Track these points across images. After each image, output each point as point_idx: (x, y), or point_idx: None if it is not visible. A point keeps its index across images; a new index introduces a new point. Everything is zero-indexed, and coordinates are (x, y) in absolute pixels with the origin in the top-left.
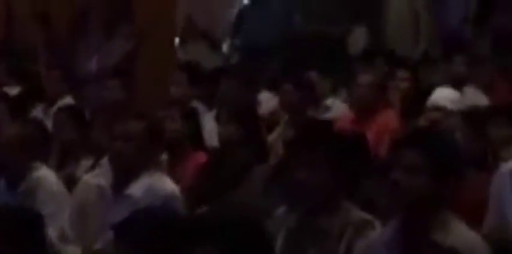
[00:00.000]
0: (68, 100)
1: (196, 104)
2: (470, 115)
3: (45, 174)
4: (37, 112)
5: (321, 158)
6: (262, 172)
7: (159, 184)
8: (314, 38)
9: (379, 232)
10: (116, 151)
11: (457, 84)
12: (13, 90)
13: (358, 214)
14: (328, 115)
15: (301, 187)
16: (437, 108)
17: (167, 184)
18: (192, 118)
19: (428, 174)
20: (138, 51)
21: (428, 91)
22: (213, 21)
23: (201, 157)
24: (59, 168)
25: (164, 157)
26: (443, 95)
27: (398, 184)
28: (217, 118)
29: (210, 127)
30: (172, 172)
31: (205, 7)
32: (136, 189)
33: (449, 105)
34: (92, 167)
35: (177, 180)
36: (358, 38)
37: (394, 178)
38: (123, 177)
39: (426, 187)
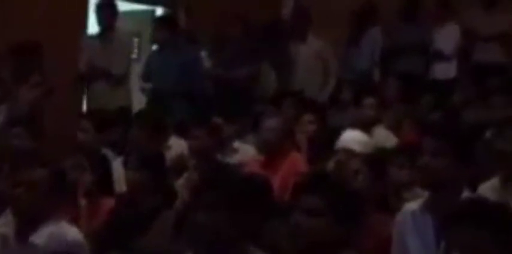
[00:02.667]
0: None
1: (105, 150)
2: (372, 157)
3: None
4: None
5: (221, 201)
6: (169, 218)
7: (62, 231)
8: (220, 82)
9: None
10: (17, 199)
11: (366, 126)
12: None
13: None
14: (235, 158)
15: (202, 231)
16: (345, 150)
17: (71, 231)
18: (102, 165)
19: (328, 216)
20: (45, 99)
21: (336, 134)
22: (113, 60)
23: (110, 203)
24: None
25: (83, 202)
26: (350, 137)
27: (298, 227)
28: (125, 164)
29: (118, 173)
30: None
31: (106, 51)
32: (40, 236)
33: (356, 147)
34: None
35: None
36: (266, 81)
37: (295, 221)
38: (26, 225)
39: (326, 230)
